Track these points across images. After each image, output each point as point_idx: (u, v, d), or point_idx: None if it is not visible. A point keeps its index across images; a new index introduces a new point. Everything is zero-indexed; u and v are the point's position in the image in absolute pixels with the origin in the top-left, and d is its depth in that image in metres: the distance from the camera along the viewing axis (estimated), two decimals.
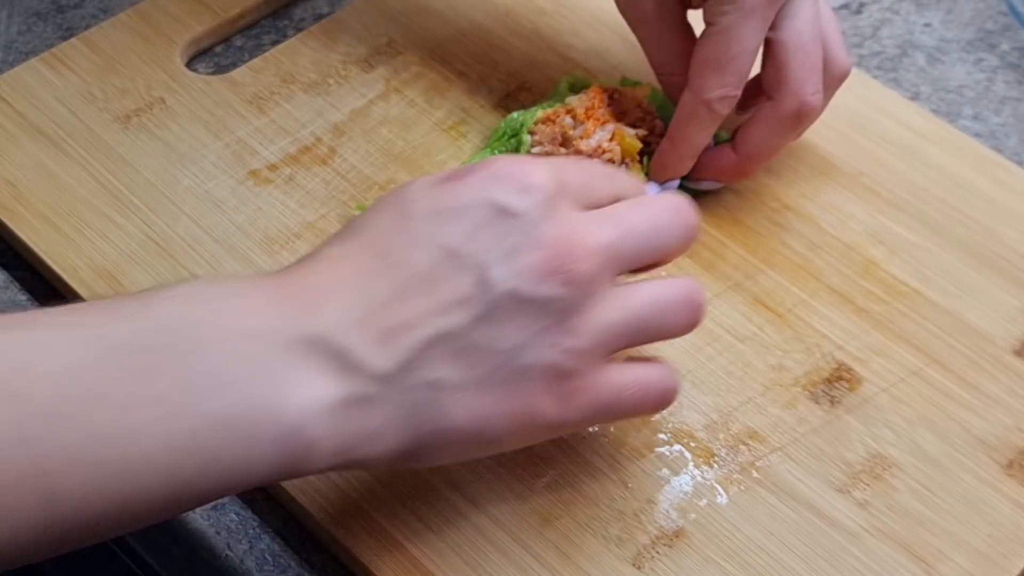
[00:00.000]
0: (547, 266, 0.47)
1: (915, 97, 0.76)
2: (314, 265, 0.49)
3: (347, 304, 0.47)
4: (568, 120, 0.65)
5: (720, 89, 0.61)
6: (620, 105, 0.66)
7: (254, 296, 0.47)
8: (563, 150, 0.65)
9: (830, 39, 0.64)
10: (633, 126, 0.65)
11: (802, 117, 0.63)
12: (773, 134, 0.64)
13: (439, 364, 0.47)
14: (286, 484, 0.56)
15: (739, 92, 0.62)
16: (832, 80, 0.64)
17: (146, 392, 0.43)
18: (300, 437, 0.45)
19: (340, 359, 0.46)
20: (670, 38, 0.65)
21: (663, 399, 0.52)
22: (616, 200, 0.52)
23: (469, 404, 0.47)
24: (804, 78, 0.62)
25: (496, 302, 0.47)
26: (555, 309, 0.47)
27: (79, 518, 0.43)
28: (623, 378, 0.50)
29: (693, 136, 0.63)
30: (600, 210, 0.50)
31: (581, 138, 0.64)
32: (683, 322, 0.51)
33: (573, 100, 0.66)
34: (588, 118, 0.65)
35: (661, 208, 0.52)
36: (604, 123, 0.65)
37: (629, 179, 0.55)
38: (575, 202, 0.50)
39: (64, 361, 0.43)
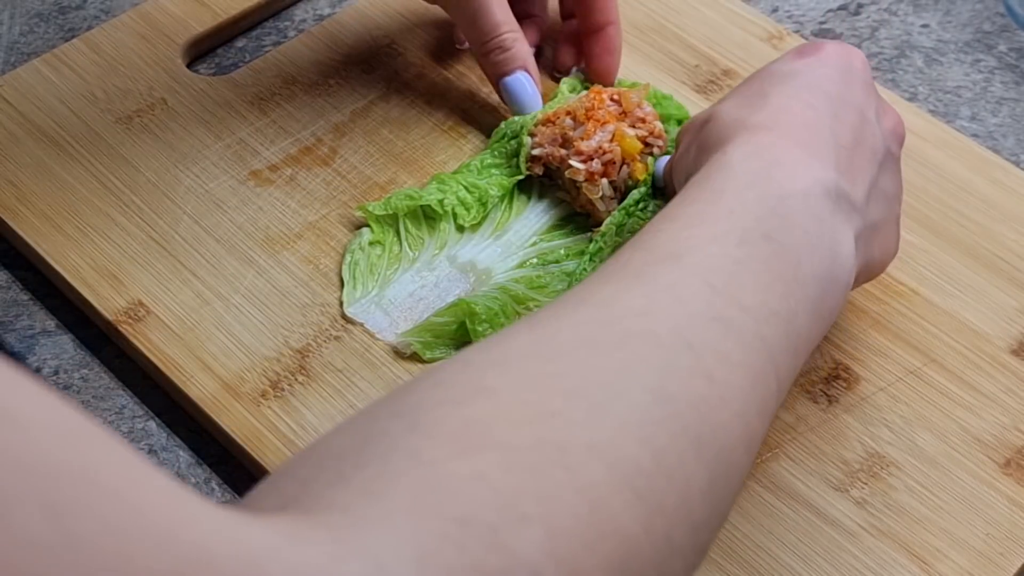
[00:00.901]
0: (899, 129, 0.58)
1: (913, 98, 0.76)
2: (779, 120, 0.53)
3: (833, 154, 0.52)
4: (568, 121, 0.66)
5: None
6: (620, 106, 0.66)
7: (789, 154, 0.51)
8: (563, 151, 0.65)
9: None
10: (633, 126, 0.66)
11: None
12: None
13: (872, 206, 0.54)
14: None
15: None
16: None
17: (770, 275, 0.47)
18: (850, 277, 0.51)
19: (849, 202, 0.52)
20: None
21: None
22: None
23: (882, 242, 0.56)
24: None
25: (885, 157, 0.56)
26: (898, 164, 0.58)
27: (735, 428, 0.44)
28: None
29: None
30: None
31: (581, 139, 0.64)
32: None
33: (573, 101, 0.67)
34: (588, 119, 0.65)
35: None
36: (604, 124, 0.65)
37: None
38: None
39: (703, 280, 0.46)
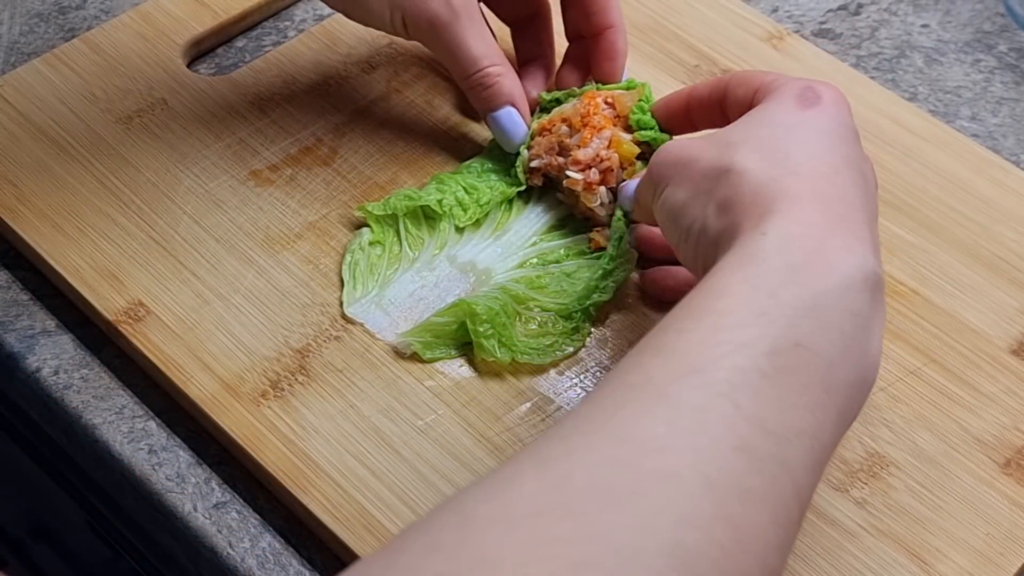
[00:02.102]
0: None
1: (913, 98, 0.76)
2: (816, 190, 0.49)
3: (869, 232, 0.49)
4: (564, 128, 0.65)
5: None
6: (615, 109, 0.66)
7: (832, 237, 0.48)
8: (560, 159, 0.65)
9: None
10: (629, 129, 0.65)
11: None
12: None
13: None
14: (286, 483, 0.56)
15: None
16: None
17: (799, 389, 0.44)
18: (876, 375, 0.48)
19: (882, 287, 0.48)
20: (481, 26, 0.66)
21: None
22: None
23: None
24: None
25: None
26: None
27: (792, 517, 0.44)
28: None
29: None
30: None
31: (578, 146, 0.64)
32: None
33: (567, 108, 0.66)
34: (584, 126, 0.65)
35: None
36: (600, 130, 0.64)
37: None
38: None
39: (728, 399, 0.43)
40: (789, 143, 0.51)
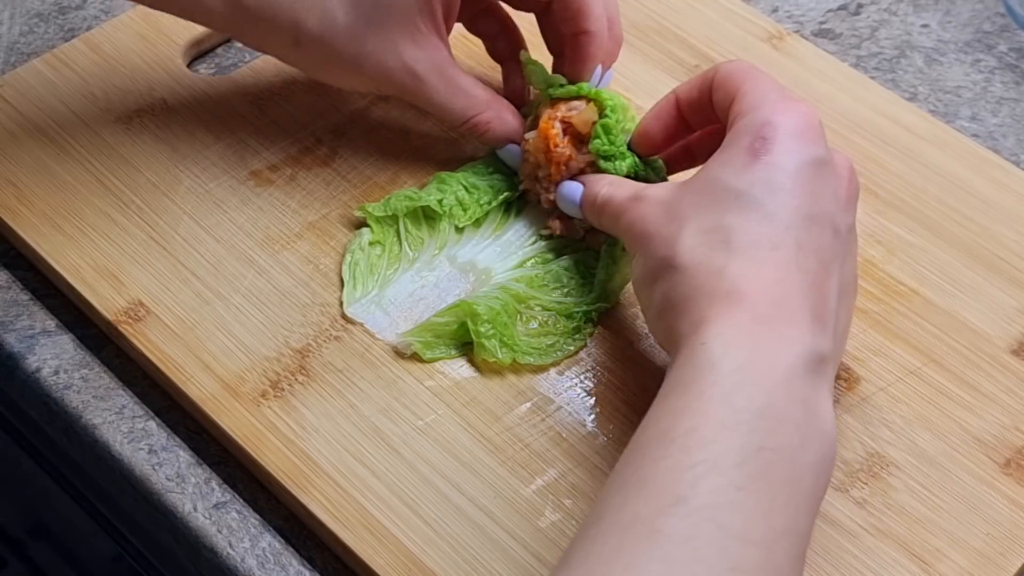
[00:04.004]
0: (853, 188, 0.55)
1: (913, 98, 0.76)
2: (749, 284, 0.50)
3: (808, 311, 0.50)
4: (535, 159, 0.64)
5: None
6: (574, 130, 0.63)
7: (768, 333, 0.49)
8: (539, 186, 0.65)
9: None
10: (583, 141, 0.63)
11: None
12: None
13: (841, 315, 0.53)
14: (286, 483, 0.56)
15: None
16: None
17: (771, 491, 0.46)
18: (835, 444, 0.50)
19: (825, 360, 0.50)
20: (454, 76, 0.65)
21: None
22: None
23: (845, 342, 0.55)
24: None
25: (845, 242, 0.54)
26: (854, 232, 0.56)
27: None
28: None
29: None
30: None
31: (548, 185, 0.64)
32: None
33: (529, 143, 0.65)
34: (549, 162, 0.63)
35: None
36: (567, 162, 0.63)
37: None
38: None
39: (715, 523, 0.45)
40: (732, 220, 0.52)
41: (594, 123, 0.62)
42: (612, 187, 0.60)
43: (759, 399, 0.47)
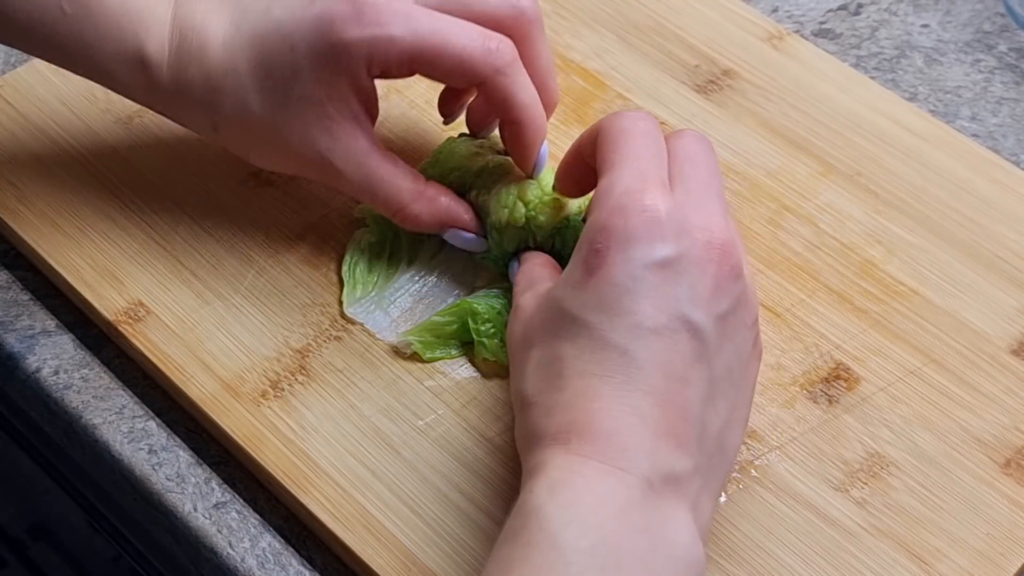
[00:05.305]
0: (722, 275, 0.51)
1: (913, 98, 0.76)
2: (575, 421, 0.49)
3: (639, 433, 0.48)
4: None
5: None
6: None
7: (593, 475, 0.47)
8: None
9: None
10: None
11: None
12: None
13: (712, 417, 0.50)
14: (286, 483, 0.56)
15: None
16: None
17: None
18: (699, 556, 0.48)
19: (673, 475, 0.48)
20: (384, 166, 0.61)
21: None
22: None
23: (737, 429, 0.52)
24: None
25: (713, 336, 0.50)
26: (744, 298, 0.52)
27: None
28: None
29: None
30: (682, 189, 0.52)
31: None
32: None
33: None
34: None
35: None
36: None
37: None
38: (666, 189, 0.52)
39: None
40: (566, 349, 0.50)
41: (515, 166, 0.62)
42: (523, 282, 0.58)
43: (590, 536, 0.45)
